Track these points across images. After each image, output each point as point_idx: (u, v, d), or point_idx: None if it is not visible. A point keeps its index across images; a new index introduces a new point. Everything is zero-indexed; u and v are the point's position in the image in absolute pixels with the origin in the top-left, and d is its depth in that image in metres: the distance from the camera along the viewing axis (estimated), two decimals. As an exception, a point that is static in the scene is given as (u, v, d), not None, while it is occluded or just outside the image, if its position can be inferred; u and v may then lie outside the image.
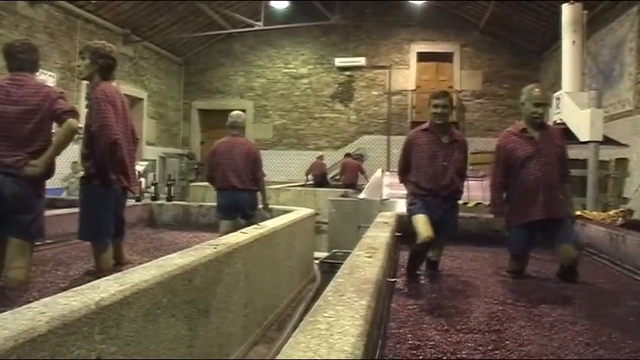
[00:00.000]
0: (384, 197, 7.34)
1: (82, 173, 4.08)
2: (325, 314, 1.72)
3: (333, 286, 2.13)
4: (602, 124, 7.34)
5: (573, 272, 4.26)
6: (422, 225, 4.28)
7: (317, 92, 18.10)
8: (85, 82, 4.06)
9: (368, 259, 2.79)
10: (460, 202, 6.85)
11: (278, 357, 1.38)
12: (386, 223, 4.67)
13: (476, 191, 8.09)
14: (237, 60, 18.52)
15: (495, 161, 4.56)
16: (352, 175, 14.23)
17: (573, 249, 4.23)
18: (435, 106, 4.43)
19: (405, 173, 4.68)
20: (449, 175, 4.41)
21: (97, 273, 3.79)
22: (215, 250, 2.95)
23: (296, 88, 18.22)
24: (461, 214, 6.34)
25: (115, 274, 2.18)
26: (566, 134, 6.67)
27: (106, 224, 3.95)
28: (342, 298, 1.94)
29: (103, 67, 3.93)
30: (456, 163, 4.47)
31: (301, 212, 5.69)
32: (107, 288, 1.93)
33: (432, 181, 4.41)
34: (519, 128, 4.44)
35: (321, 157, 15.78)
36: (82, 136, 3.97)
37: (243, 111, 13.74)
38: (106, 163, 3.81)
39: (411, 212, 4.47)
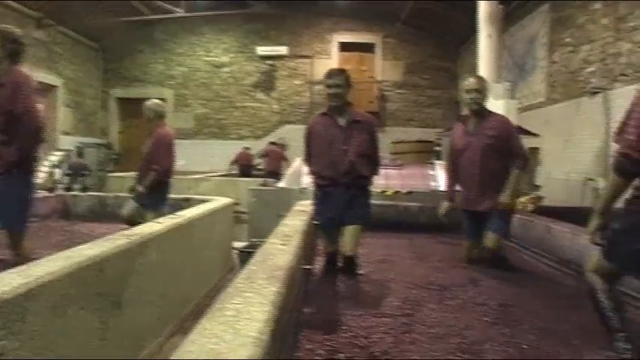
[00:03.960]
0: (303, 186, 7.40)
1: None
2: (234, 301, 1.74)
3: (244, 274, 2.15)
4: (516, 114, 7.71)
5: (498, 258, 4.35)
6: (323, 237, 4.33)
7: (239, 81, 17.90)
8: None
9: (282, 246, 2.82)
10: (378, 190, 7.05)
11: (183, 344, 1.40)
12: (303, 211, 4.72)
13: (394, 179, 8.30)
14: (157, 47, 18.00)
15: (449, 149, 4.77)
16: (275, 163, 14.18)
17: (494, 237, 4.24)
18: (328, 86, 4.02)
19: (309, 164, 4.32)
20: (348, 159, 3.99)
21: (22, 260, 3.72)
22: (128, 240, 2.91)
23: (217, 77, 17.93)
24: (379, 202, 6.52)
25: (19, 267, 2.12)
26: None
27: (28, 212, 3.91)
28: (252, 285, 1.97)
29: (13, 52, 3.82)
30: (358, 146, 4.02)
31: (219, 202, 5.67)
32: (9, 281, 1.88)
33: (332, 169, 4.04)
34: (462, 119, 4.58)
35: (247, 148, 15.63)
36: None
37: (163, 99, 13.47)
38: (31, 149, 3.76)
39: (314, 217, 4.32)
